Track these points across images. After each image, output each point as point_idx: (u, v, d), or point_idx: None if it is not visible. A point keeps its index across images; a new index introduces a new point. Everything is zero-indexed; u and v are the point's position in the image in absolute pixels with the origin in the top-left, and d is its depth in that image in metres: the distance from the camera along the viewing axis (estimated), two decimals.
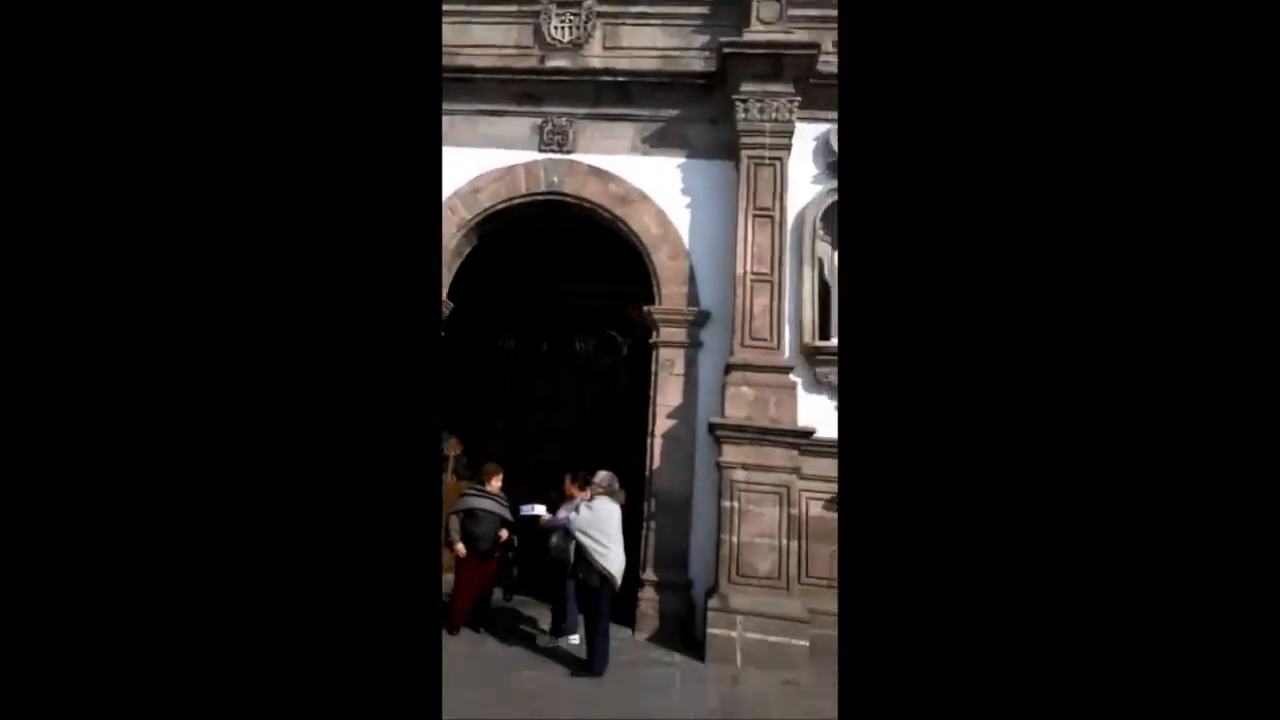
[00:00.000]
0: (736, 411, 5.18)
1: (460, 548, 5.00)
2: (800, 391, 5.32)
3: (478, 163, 6.46)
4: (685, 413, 5.70)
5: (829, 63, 5.82)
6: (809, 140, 5.90)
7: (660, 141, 6.29)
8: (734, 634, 4.64)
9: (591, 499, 4.73)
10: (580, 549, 4.55)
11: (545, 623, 5.26)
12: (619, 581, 4.55)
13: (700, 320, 5.88)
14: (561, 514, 4.96)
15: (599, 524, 4.54)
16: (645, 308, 6.09)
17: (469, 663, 4.44)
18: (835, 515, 5.12)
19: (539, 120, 6.44)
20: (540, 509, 5.21)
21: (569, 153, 6.38)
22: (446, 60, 6.33)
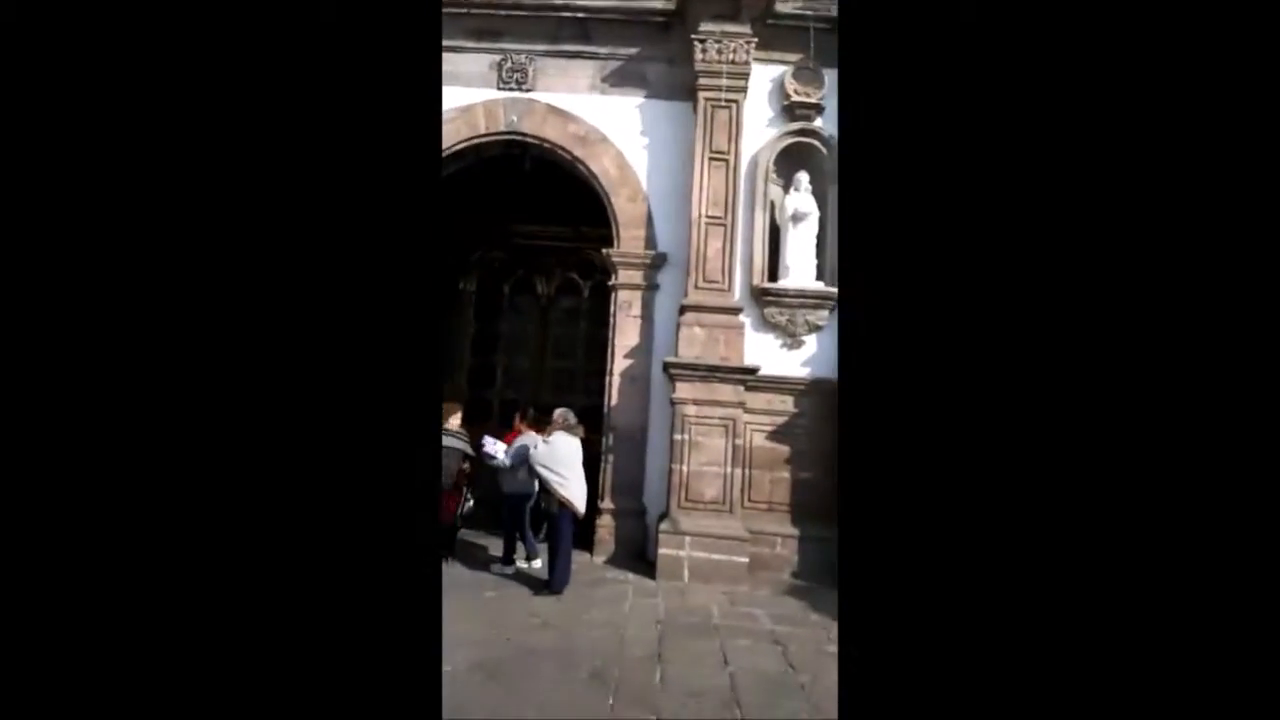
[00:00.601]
0: (689, 351, 5.44)
1: None
2: (748, 331, 5.59)
3: None
4: (642, 352, 5.94)
5: (786, 2, 5.84)
6: (765, 82, 5.96)
7: (619, 81, 6.28)
8: (682, 554, 5.04)
9: (550, 434, 5.00)
10: (542, 481, 4.86)
11: (498, 551, 5.58)
12: (580, 509, 4.87)
13: (657, 263, 6.05)
14: (497, 449, 5.31)
15: (557, 457, 4.82)
16: (605, 251, 6.22)
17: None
18: (776, 446, 5.51)
19: (498, 57, 6.35)
20: (500, 447, 5.47)
21: (528, 91, 6.33)
22: None
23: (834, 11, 5.82)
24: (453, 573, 5.13)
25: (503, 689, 3.12)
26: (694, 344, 5.46)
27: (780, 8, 5.77)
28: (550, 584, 4.71)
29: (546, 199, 7.16)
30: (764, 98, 5.98)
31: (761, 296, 5.66)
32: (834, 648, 3.96)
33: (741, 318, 5.58)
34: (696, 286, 5.60)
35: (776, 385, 5.51)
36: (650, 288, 6.06)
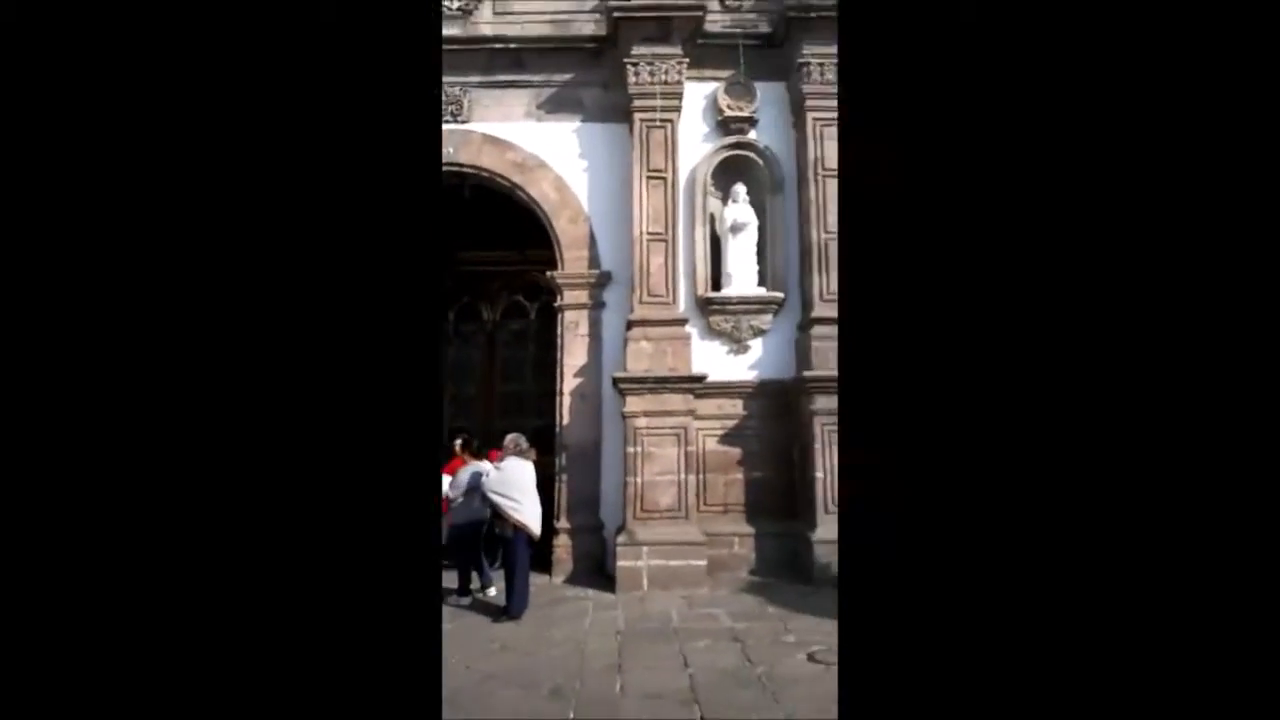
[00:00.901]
0: (637, 365, 5.47)
1: None
2: (695, 340, 5.67)
3: None
4: (591, 370, 5.94)
5: (715, 21, 6.09)
6: (698, 99, 6.16)
7: (555, 107, 6.40)
8: (640, 564, 4.99)
9: (502, 460, 4.92)
10: (495, 507, 4.76)
11: (452, 584, 5.39)
12: (536, 531, 4.78)
13: (602, 281, 6.10)
14: (448, 488, 5.19)
15: (509, 482, 4.74)
16: (549, 273, 6.25)
17: None
18: (728, 449, 5.55)
19: None
20: (445, 480, 5.34)
21: (464, 122, 6.38)
22: None
23: (761, 28, 6.11)
24: None
25: (460, 715, 2.98)
26: (642, 357, 5.50)
27: (709, 27, 6.01)
28: (509, 609, 4.58)
29: (489, 225, 7.18)
30: (698, 114, 6.18)
31: (706, 306, 5.76)
32: (790, 637, 3.98)
33: (687, 328, 5.67)
34: (641, 301, 5.67)
35: (725, 390, 5.57)
36: (596, 306, 6.10)
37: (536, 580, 5.01)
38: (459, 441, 5.83)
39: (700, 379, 5.45)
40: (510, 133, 6.36)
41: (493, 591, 5.12)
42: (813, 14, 5.74)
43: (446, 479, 5.32)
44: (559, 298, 6.16)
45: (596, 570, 5.40)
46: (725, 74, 6.09)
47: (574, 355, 6.00)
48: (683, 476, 5.22)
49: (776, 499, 5.33)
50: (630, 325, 5.63)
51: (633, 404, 5.39)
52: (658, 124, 5.98)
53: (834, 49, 5.78)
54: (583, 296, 6.12)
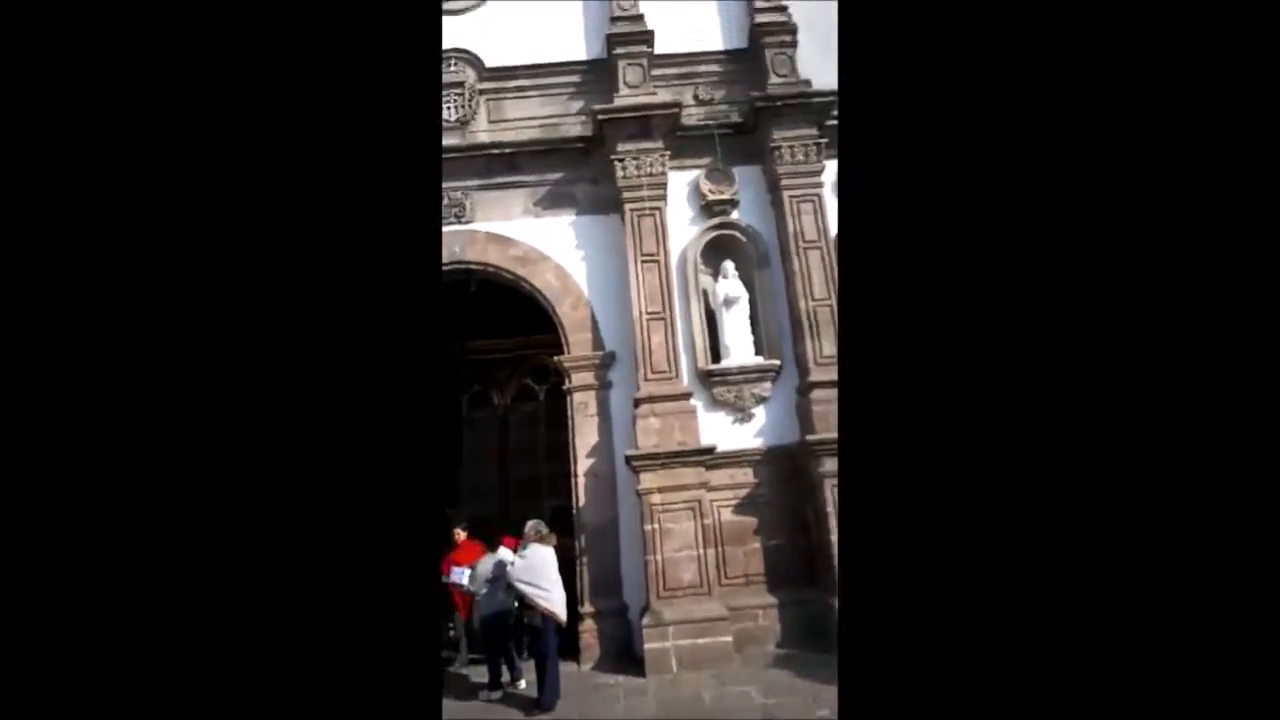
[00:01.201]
0: (647, 441, 5.63)
1: None
2: (700, 412, 5.85)
3: None
4: (603, 448, 6.10)
5: (691, 115, 6.57)
6: (682, 186, 6.58)
7: (550, 204, 6.83)
8: (667, 644, 5.00)
9: (524, 548, 4.99)
10: (521, 597, 4.81)
11: (481, 679, 5.38)
12: (564, 618, 4.82)
13: (606, 362, 6.34)
14: (463, 576, 5.30)
15: (535, 570, 4.79)
16: (555, 357, 6.51)
17: None
18: (743, 519, 5.64)
19: None
20: (465, 572, 5.41)
21: (467, 223, 6.80)
22: None
23: (734, 118, 6.58)
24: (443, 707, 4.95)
25: None
26: (651, 433, 5.67)
27: (686, 121, 6.50)
28: (541, 701, 4.58)
29: (495, 315, 7.49)
30: (683, 200, 6.58)
31: (708, 378, 5.97)
32: (823, 711, 3.99)
33: (692, 401, 5.85)
34: (646, 379, 5.88)
35: (734, 459, 5.73)
36: (603, 386, 6.32)
37: (565, 668, 5.01)
38: (462, 531, 5.90)
39: (709, 450, 5.60)
40: (511, 229, 6.76)
41: (523, 684, 5.11)
42: (779, 103, 6.29)
43: (463, 571, 5.39)
44: (567, 380, 6.39)
45: (624, 653, 5.40)
46: (704, 161, 6.53)
47: (585, 435, 6.18)
48: (701, 551, 5.29)
49: (796, 565, 5.39)
50: (637, 403, 5.82)
51: (646, 480, 5.52)
52: (647, 212, 6.37)
53: (800, 132, 6.30)
54: (589, 378, 6.35)
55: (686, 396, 5.85)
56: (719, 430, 5.83)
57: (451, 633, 5.84)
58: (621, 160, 6.39)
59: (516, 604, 4.96)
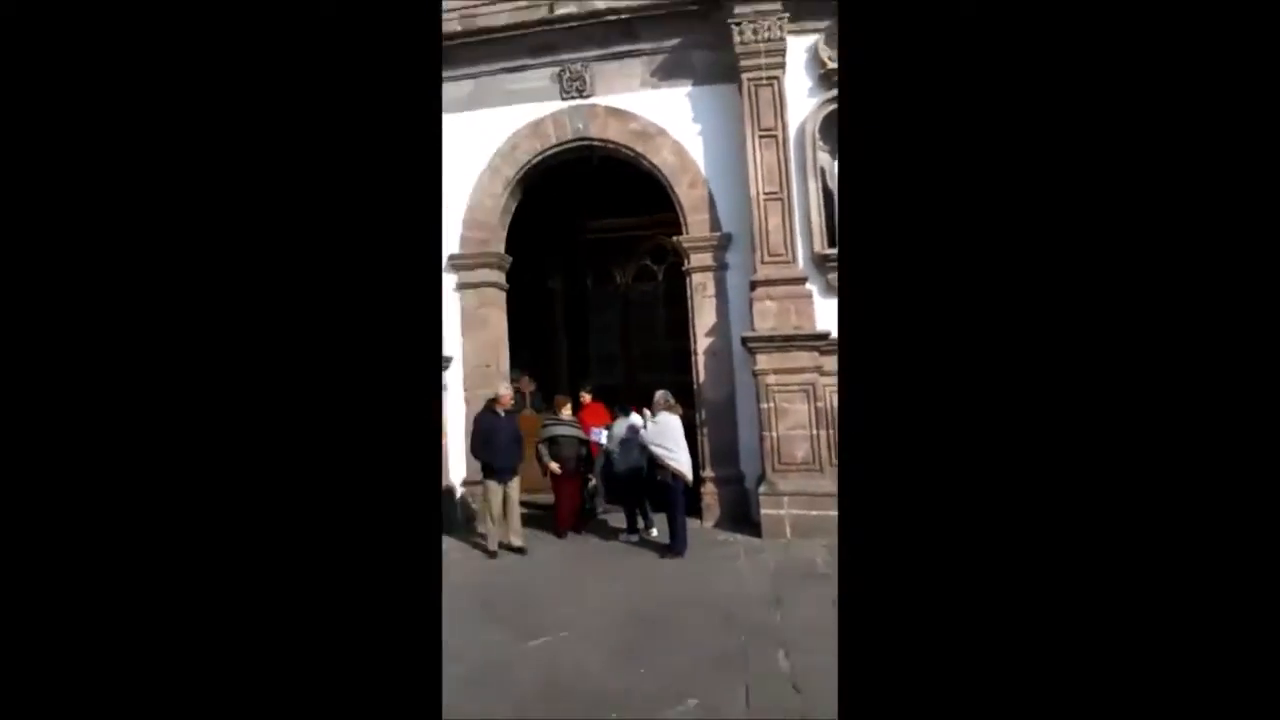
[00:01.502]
0: (763, 324, 5.85)
1: (554, 466, 6.06)
2: (816, 298, 5.91)
3: (511, 120, 6.98)
4: (721, 329, 6.41)
5: None
6: (800, 53, 6.12)
7: (668, 74, 6.63)
8: (782, 512, 5.57)
9: (654, 415, 5.63)
10: (652, 457, 5.54)
11: (620, 524, 6.33)
12: (690, 477, 5.52)
13: (724, 243, 6.44)
14: (601, 435, 6.12)
15: (664, 434, 5.47)
16: (675, 238, 6.68)
17: (580, 556, 5.67)
18: None
19: (557, 69, 6.85)
20: (602, 432, 6.20)
21: (588, 97, 6.80)
22: (465, 24, 6.78)
23: None
24: (588, 544, 5.98)
25: (660, 632, 3.86)
26: (767, 316, 5.87)
27: None
28: (673, 547, 5.39)
29: (617, 193, 7.63)
30: (801, 69, 6.15)
31: (824, 263, 5.95)
32: None
33: (808, 286, 5.91)
34: (763, 261, 5.96)
35: None
36: (720, 267, 6.47)
37: (690, 523, 5.75)
38: (588, 394, 6.76)
39: (824, 336, 5.72)
40: (630, 103, 6.70)
41: (655, 532, 5.97)
42: None
43: (601, 431, 6.18)
44: (686, 261, 6.59)
45: (741, 516, 6.03)
46: (824, 24, 5.96)
47: (703, 315, 6.48)
48: (814, 431, 5.64)
49: None
50: (754, 285, 5.96)
51: (762, 361, 5.81)
52: (764, 81, 6.06)
53: None
54: (707, 259, 6.52)
55: (802, 281, 5.91)
56: (834, 317, 5.88)
57: (592, 483, 6.80)
58: (739, 24, 6.00)
59: (648, 463, 5.71)
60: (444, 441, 7.01)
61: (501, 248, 7.27)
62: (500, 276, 7.30)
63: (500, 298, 7.30)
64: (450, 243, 7.25)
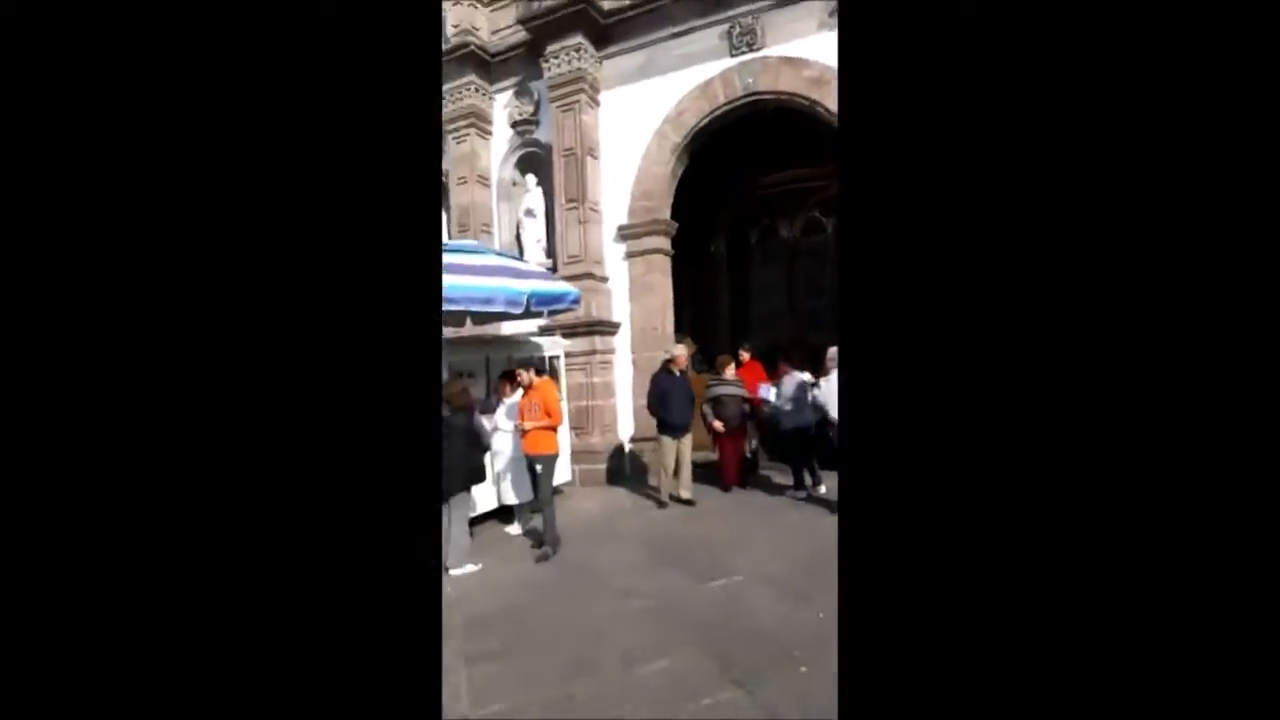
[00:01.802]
0: None
1: (718, 424, 6.09)
2: None
3: (679, 85, 6.97)
4: None
5: None
6: None
7: None
8: None
9: (826, 374, 5.41)
10: (825, 415, 5.40)
11: (786, 481, 6.20)
12: None
13: None
14: (769, 392, 6.01)
15: (835, 394, 5.21)
16: None
17: (748, 509, 5.64)
18: None
19: (726, 26, 6.68)
20: (770, 390, 6.06)
21: (759, 50, 6.57)
22: None
23: None
24: (754, 499, 5.91)
25: (834, 583, 3.67)
26: None
27: None
28: None
29: (785, 146, 7.35)
30: None
31: None
32: None
33: None
34: None
35: None
36: None
37: None
38: (746, 353, 6.70)
39: None
40: (804, 49, 6.37)
41: (824, 489, 5.78)
42: None
43: (769, 388, 6.04)
44: None
45: None
46: None
47: None
48: None
49: None
50: None
51: None
52: None
53: None
54: None
55: None
56: None
57: (754, 444, 6.71)
58: None
59: (818, 421, 5.55)
60: (613, 401, 7.28)
61: (668, 214, 7.31)
62: (666, 243, 7.35)
63: (665, 264, 7.36)
64: (619, 214, 7.42)
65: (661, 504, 5.83)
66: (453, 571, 4.36)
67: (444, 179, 8.34)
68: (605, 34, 7.37)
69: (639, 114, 7.24)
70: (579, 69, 7.26)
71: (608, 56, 7.47)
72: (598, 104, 7.54)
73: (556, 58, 7.34)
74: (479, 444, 4.59)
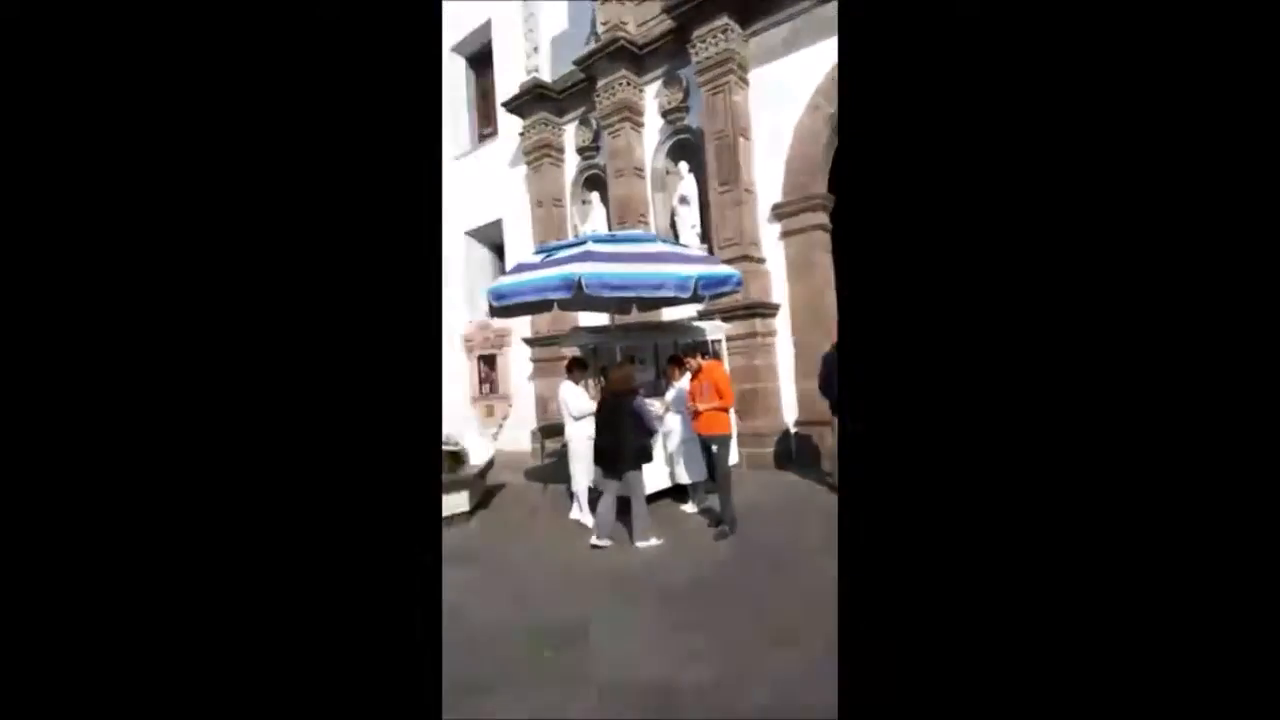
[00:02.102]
0: None
1: None
2: None
3: (829, 53, 6.69)
4: None
5: None
6: None
7: None
8: None
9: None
10: None
11: None
12: None
13: None
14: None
15: None
16: None
17: None
18: None
19: None
20: None
21: None
22: None
23: None
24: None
25: None
26: None
27: None
28: None
29: None
30: None
31: None
32: None
33: None
34: None
35: None
36: None
37: None
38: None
39: None
40: None
41: None
42: None
43: None
44: None
45: None
46: None
47: None
48: None
49: None
50: None
51: None
52: None
53: None
54: None
55: None
56: None
57: None
58: None
59: None
60: (776, 384, 7.17)
61: (824, 188, 7.03)
62: (824, 218, 7.08)
63: (824, 239, 7.09)
64: (774, 194, 7.26)
65: (834, 489, 5.65)
66: (638, 544, 4.50)
67: (601, 173, 8.64)
68: (750, 11, 7.24)
69: (789, 88, 7.04)
70: (727, 50, 7.19)
71: (754, 34, 7.34)
72: (747, 83, 7.44)
73: (704, 41, 7.33)
74: (644, 426, 4.67)
